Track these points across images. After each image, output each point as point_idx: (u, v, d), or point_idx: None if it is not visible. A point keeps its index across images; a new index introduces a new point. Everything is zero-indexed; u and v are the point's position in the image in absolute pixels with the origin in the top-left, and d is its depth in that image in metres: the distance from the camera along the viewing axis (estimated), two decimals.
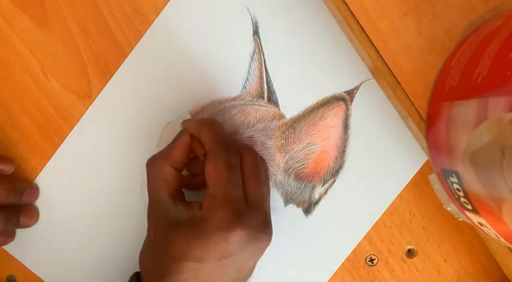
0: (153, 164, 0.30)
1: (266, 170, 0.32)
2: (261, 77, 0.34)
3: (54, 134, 0.35)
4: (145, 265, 0.30)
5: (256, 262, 0.30)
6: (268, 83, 0.34)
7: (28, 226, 0.35)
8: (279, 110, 0.34)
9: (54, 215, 0.36)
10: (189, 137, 0.31)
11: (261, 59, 0.34)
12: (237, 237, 0.27)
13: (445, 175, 0.24)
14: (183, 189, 0.31)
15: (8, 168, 0.34)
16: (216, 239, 0.27)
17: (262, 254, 0.30)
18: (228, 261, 0.28)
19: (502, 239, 0.22)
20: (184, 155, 0.30)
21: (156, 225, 0.30)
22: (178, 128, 0.35)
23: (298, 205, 0.35)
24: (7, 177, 0.34)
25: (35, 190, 0.35)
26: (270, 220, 0.30)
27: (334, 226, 0.36)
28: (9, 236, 0.35)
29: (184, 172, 0.32)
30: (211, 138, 0.29)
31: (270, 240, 0.30)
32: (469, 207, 0.23)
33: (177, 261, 0.27)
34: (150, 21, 0.34)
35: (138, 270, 0.31)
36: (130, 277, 0.31)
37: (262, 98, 0.34)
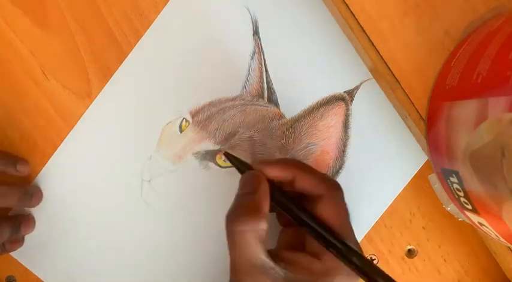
0: (240, 225, 0.25)
1: None
2: (261, 77, 0.34)
3: (54, 134, 0.35)
4: None
5: None
6: (268, 83, 0.34)
7: (27, 234, 0.36)
8: (279, 110, 0.34)
9: (53, 215, 0.36)
10: (266, 182, 0.27)
11: (261, 59, 0.34)
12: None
13: (445, 175, 0.24)
14: None
15: (25, 170, 0.34)
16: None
17: None
18: None
19: (502, 239, 0.22)
20: (269, 202, 0.27)
21: None
22: (177, 128, 0.35)
23: None
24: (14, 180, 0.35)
25: (40, 192, 0.35)
26: None
27: None
28: (18, 241, 0.36)
29: None
30: (318, 180, 0.27)
31: None
32: (469, 207, 0.23)
33: None
34: (150, 21, 0.34)
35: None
36: None
37: (262, 98, 0.34)
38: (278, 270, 0.25)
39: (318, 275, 0.25)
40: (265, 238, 0.26)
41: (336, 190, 0.27)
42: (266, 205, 0.26)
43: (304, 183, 0.27)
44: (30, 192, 0.34)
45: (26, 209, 0.36)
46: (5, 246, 0.35)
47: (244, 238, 0.25)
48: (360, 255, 0.25)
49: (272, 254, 0.26)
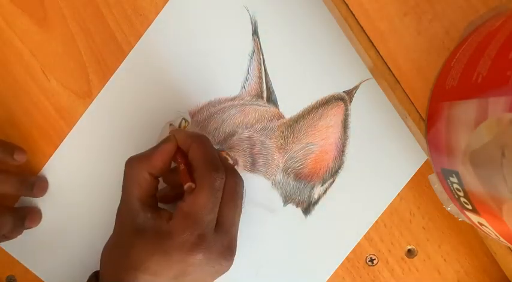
0: (131, 164, 0.29)
1: (242, 192, 0.31)
2: (260, 77, 0.34)
3: (54, 134, 0.35)
4: (105, 264, 0.30)
5: None
6: (268, 82, 0.34)
7: (31, 227, 0.35)
8: (278, 109, 0.34)
9: (53, 214, 0.36)
10: (175, 146, 0.30)
11: (260, 59, 0.34)
12: (197, 260, 0.27)
13: (445, 175, 0.24)
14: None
15: (21, 158, 0.34)
16: (176, 258, 0.27)
17: (220, 276, 0.30)
18: (183, 280, 0.28)
19: (502, 239, 0.22)
20: (164, 163, 0.30)
21: (122, 227, 0.30)
22: (176, 128, 0.35)
23: (297, 205, 0.35)
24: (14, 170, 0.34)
25: (44, 182, 0.35)
26: (235, 244, 0.30)
27: (334, 226, 0.35)
28: (18, 231, 0.35)
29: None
30: (200, 155, 0.29)
31: (231, 266, 0.30)
32: (469, 207, 0.23)
33: (134, 270, 0.27)
34: (149, 20, 0.34)
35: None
36: (90, 275, 0.31)
37: (262, 97, 0.34)
38: (141, 216, 0.28)
39: (159, 232, 0.28)
40: (145, 185, 0.29)
41: (205, 168, 0.28)
42: (157, 160, 0.29)
43: (191, 155, 0.29)
44: (30, 181, 0.34)
45: (33, 202, 0.36)
46: (4, 234, 0.34)
47: (126, 176, 0.30)
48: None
49: (147, 202, 0.29)
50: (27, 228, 0.35)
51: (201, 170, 0.28)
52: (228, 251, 0.29)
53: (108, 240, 0.30)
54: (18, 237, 0.36)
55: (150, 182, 0.29)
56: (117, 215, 0.30)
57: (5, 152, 0.33)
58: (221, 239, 0.28)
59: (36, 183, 0.34)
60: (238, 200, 0.30)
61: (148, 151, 0.30)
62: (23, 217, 0.34)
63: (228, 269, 0.29)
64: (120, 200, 0.30)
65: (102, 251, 0.30)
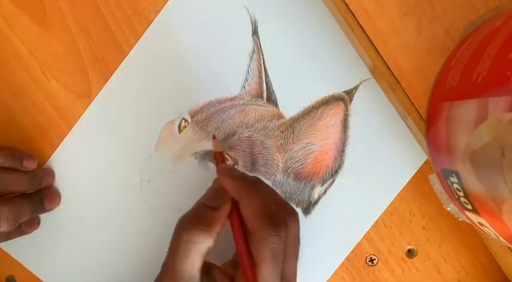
0: (192, 237, 0.26)
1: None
2: (260, 77, 0.34)
3: (54, 134, 0.35)
4: None
5: None
6: (267, 82, 0.34)
7: (52, 209, 0.35)
8: (278, 109, 0.34)
9: (53, 215, 0.36)
10: (231, 203, 0.27)
11: (260, 59, 0.34)
12: None
13: (445, 175, 0.24)
14: None
15: (30, 165, 0.33)
16: None
17: None
18: None
19: (502, 239, 0.22)
20: (225, 222, 0.27)
21: None
22: (176, 128, 0.35)
23: (297, 205, 0.35)
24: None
25: (51, 174, 0.35)
26: None
27: (334, 226, 0.35)
28: (34, 224, 0.35)
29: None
30: (255, 214, 0.26)
31: None
32: (469, 207, 0.23)
33: None
34: (149, 20, 0.34)
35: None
36: None
37: (262, 97, 0.34)
38: None
39: None
40: (207, 252, 0.26)
41: (264, 230, 0.25)
42: (222, 224, 0.27)
43: (244, 211, 0.27)
44: (39, 175, 0.34)
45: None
46: (22, 228, 0.34)
47: (186, 248, 0.26)
48: None
49: (207, 269, 0.27)
50: (50, 210, 0.35)
51: (259, 231, 0.25)
52: None
53: None
54: (18, 237, 0.35)
55: (211, 249, 0.26)
56: None
57: (14, 159, 0.33)
58: None
59: (44, 178, 0.34)
60: (298, 248, 0.28)
61: (205, 215, 0.27)
62: (41, 200, 0.34)
63: None
64: (165, 272, 0.27)
65: None
